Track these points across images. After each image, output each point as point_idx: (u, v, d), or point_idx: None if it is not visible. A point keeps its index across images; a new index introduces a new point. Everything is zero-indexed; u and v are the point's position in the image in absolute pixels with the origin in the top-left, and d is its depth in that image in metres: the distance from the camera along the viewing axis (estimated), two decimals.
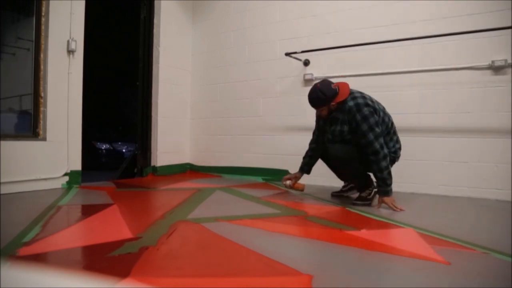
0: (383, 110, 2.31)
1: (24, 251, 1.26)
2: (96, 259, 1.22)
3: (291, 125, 3.47)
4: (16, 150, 2.54)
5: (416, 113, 2.86)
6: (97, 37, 5.76)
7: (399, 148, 2.37)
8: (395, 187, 2.22)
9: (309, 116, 3.15)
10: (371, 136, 2.11)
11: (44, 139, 2.73)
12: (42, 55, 2.73)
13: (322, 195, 2.65)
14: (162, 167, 3.78)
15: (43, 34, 2.73)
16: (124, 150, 7.14)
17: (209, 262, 1.20)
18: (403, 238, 1.58)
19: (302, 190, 2.61)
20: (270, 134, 3.61)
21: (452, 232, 1.61)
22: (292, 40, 3.46)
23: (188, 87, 4.18)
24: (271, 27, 3.61)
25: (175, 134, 4.01)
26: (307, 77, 3.35)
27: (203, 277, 1.07)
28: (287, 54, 3.31)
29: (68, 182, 2.87)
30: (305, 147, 2.63)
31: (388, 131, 2.29)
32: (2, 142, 2.44)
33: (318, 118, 2.48)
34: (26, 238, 1.41)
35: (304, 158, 2.58)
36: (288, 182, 2.58)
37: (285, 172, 3.45)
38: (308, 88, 2.40)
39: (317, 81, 2.40)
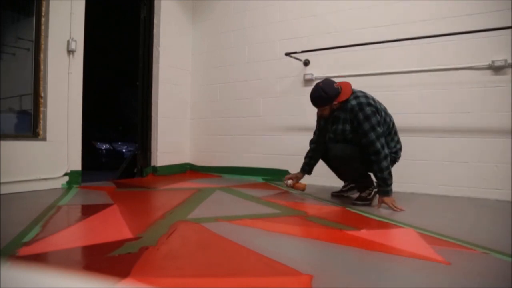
0: (385, 110, 2.31)
1: (24, 251, 1.26)
2: (96, 259, 1.22)
3: (291, 125, 3.47)
4: (16, 150, 2.54)
5: (416, 113, 2.86)
6: (97, 37, 5.77)
7: (400, 149, 2.37)
8: (395, 187, 2.22)
9: (309, 116, 3.15)
10: (372, 135, 2.11)
11: (44, 139, 2.73)
12: (42, 55, 2.73)
13: (322, 195, 2.65)
14: (162, 167, 3.78)
15: (43, 34, 2.73)
16: (124, 150, 7.14)
17: (209, 262, 1.20)
18: (403, 238, 1.58)
19: (303, 190, 2.61)
20: (270, 134, 3.61)
21: (452, 232, 1.61)
22: (292, 40, 3.46)
23: (188, 87, 4.18)
24: (271, 27, 3.61)
25: (175, 134, 4.01)
26: (307, 77, 3.35)
27: (203, 277, 1.07)
28: (287, 54, 3.31)
29: (68, 182, 2.87)
30: (305, 147, 2.63)
31: (389, 131, 2.30)
32: (2, 142, 2.44)
33: (319, 118, 2.48)
34: (26, 238, 1.41)
35: (305, 158, 2.58)
36: (289, 181, 2.58)
37: (285, 172, 3.45)
38: (308, 88, 2.40)
39: (318, 81, 2.40)
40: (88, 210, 2.06)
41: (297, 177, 2.58)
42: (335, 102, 2.22)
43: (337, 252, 1.33)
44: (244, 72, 3.78)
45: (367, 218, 1.93)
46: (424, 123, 2.83)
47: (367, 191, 2.34)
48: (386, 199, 2.14)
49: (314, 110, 2.48)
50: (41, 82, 2.73)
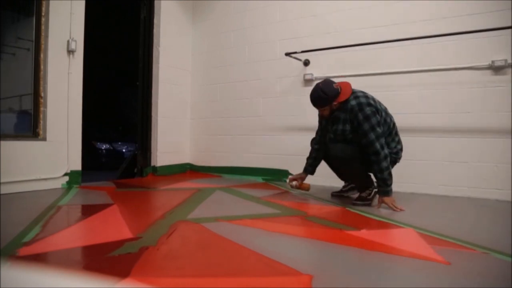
0: (385, 110, 2.31)
1: (24, 251, 1.26)
2: (96, 259, 1.22)
3: (291, 125, 3.47)
4: (16, 150, 2.54)
5: (416, 113, 2.86)
6: (97, 37, 5.76)
7: (401, 149, 2.37)
8: (395, 187, 2.22)
9: (309, 116, 3.15)
10: (372, 136, 2.11)
11: (44, 139, 2.73)
12: (42, 55, 2.73)
13: (322, 195, 2.65)
14: (162, 167, 3.78)
15: (43, 34, 2.73)
16: (124, 150, 7.14)
17: (209, 262, 1.20)
18: (403, 238, 1.58)
19: (307, 190, 2.61)
20: (270, 134, 3.61)
21: (452, 232, 1.61)
22: (292, 40, 3.46)
23: (188, 87, 4.18)
24: (271, 27, 3.61)
25: (175, 134, 4.01)
26: (307, 77, 3.35)
27: (203, 277, 1.07)
28: (287, 54, 3.31)
29: (68, 182, 2.87)
30: (306, 147, 2.63)
31: (390, 131, 2.29)
32: (2, 142, 2.44)
33: (321, 118, 2.48)
34: (26, 238, 1.41)
35: (308, 159, 2.58)
36: (294, 182, 2.58)
37: (285, 172, 3.45)
38: (308, 88, 2.40)
39: (318, 81, 2.40)
40: (88, 210, 2.06)
41: (301, 178, 2.58)
42: (334, 103, 2.22)
43: (337, 252, 1.33)
44: (244, 72, 3.78)
45: (367, 218, 1.93)
46: (424, 123, 2.83)
47: (367, 191, 2.34)
48: (386, 199, 2.14)
49: (314, 110, 2.48)
50: (41, 82, 2.73)
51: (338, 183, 2.74)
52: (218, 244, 1.40)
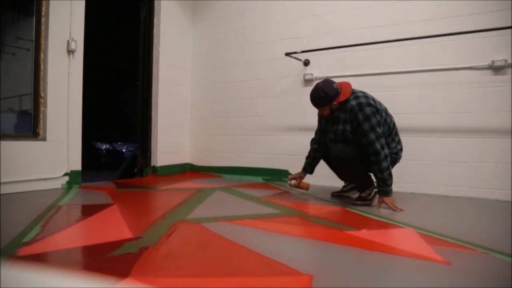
0: (385, 110, 2.31)
1: (24, 251, 1.26)
2: (96, 259, 1.22)
3: (291, 125, 3.47)
4: (16, 150, 2.54)
5: (416, 113, 2.86)
6: (97, 37, 5.76)
7: (401, 149, 2.37)
8: (395, 187, 2.22)
9: (309, 116, 3.16)
10: (372, 136, 2.11)
11: (44, 139, 2.73)
12: (42, 55, 2.73)
13: (322, 195, 2.65)
14: (162, 167, 3.78)
15: (43, 34, 2.73)
16: (124, 150, 7.14)
17: (209, 262, 1.20)
18: (403, 238, 1.58)
19: (306, 189, 2.59)
20: (270, 134, 3.61)
21: (452, 232, 1.61)
22: (292, 40, 3.46)
23: (188, 87, 4.18)
24: (271, 27, 3.61)
25: (175, 134, 4.01)
26: (307, 77, 3.35)
27: (203, 277, 1.07)
28: (287, 54, 3.31)
29: (68, 182, 2.87)
30: (305, 147, 2.63)
31: (390, 132, 2.29)
32: (2, 142, 2.44)
33: (320, 117, 2.48)
34: (26, 238, 1.41)
35: (307, 158, 2.58)
36: (293, 181, 2.57)
37: (285, 172, 3.45)
38: (308, 88, 2.40)
39: (318, 81, 2.40)
40: (88, 210, 2.06)
41: (300, 177, 2.57)
42: (334, 102, 2.22)
43: (337, 252, 1.33)
44: (244, 72, 3.78)
45: (367, 218, 1.93)
46: (424, 123, 2.83)
47: (367, 191, 2.34)
48: (386, 199, 2.14)
49: (314, 110, 2.48)
50: (41, 82, 2.73)
51: (338, 183, 2.74)
52: (218, 244, 1.40)
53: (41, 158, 2.69)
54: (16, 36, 2.87)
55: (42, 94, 2.73)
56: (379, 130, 2.13)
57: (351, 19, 3.15)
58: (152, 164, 3.76)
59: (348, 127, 2.22)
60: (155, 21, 3.77)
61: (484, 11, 2.60)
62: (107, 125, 8.67)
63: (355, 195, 2.46)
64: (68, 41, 2.84)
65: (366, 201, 2.31)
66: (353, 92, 2.25)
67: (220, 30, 3.97)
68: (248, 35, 3.76)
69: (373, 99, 2.26)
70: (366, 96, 2.23)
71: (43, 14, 2.73)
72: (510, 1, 2.49)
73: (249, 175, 3.71)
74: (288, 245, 1.42)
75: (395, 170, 2.28)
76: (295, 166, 2.64)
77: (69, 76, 2.87)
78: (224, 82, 3.93)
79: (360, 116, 2.14)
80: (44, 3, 2.72)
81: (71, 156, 2.89)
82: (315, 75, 3.30)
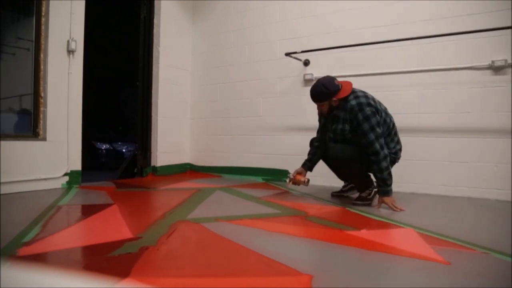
0: (385, 110, 2.31)
1: (24, 251, 1.26)
2: (96, 259, 1.22)
3: (291, 125, 3.47)
4: (16, 150, 2.54)
5: (416, 113, 2.86)
6: (97, 37, 5.76)
7: (400, 149, 2.37)
8: (395, 187, 2.22)
9: (309, 116, 3.16)
10: (372, 136, 2.11)
11: (44, 139, 2.73)
12: (42, 55, 2.73)
13: (322, 195, 2.65)
14: (162, 167, 3.78)
15: (43, 34, 2.73)
16: (124, 150, 7.14)
17: (209, 262, 1.20)
18: (403, 238, 1.58)
19: (306, 183, 2.50)
20: (270, 134, 3.61)
21: (452, 232, 1.61)
22: (292, 40, 3.46)
23: (188, 87, 4.18)
24: (271, 27, 3.61)
25: (175, 134, 4.01)
26: (307, 77, 3.35)
27: (203, 277, 1.07)
28: (287, 54, 3.31)
29: (68, 182, 2.87)
30: (305, 147, 2.64)
31: (389, 132, 2.29)
32: (2, 142, 2.44)
33: (320, 116, 2.48)
34: (26, 238, 1.41)
35: (308, 155, 2.58)
36: (292, 174, 2.54)
37: (285, 172, 3.45)
38: (308, 88, 2.40)
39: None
40: (88, 210, 2.06)
41: (298, 172, 2.54)
42: (334, 98, 2.22)
43: (337, 252, 1.33)
44: (244, 72, 3.78)
45: (367, 218, 1.92)
46: (424, 123, 2.83)
47: (367, 191, 2.34)
48: (386, 199, 2.14)
49: (314, 110, 2.48)
50: (41, 82, 2.73)
51: (338, 183, 2.74)
52: (218, 244, 1.40)
53: (41, 158, 2.69)
54: (16, 36, 2.87)
55: (42, 94, 2.73)
56: (378, 130, 2.13)
57: (351, 19, 3.15)
58: (152, 164, 3.76)
59: (347, 127, 2.22)
60: (155, 21, 3.77)
61: (484, 11, 2.60)
62: (107, 125, 8.67)
63: (355, 195, 2.46)
64: (68, 41, 2.84)
65: (366, 201, 2.31)
66: (354, 91, 2.25)
67: (220, 30, 3.97)
68: (248, 35, 3.76)
69: (373, 99, 2.26)
70: (366, 96, 2.24)
71: (43, 14, 2.73)
72: (510, 1, 2.49)
73: (249, 175, 3.71)
74: (288, 245, 1.42)
75: (395, 170, 2.28)
76: (295, 166, 2.63)
77: (69, 76, 2.87)
78: (224, 82, 3.93)
79: (360, 116, 2.14)
80: (44, 3, 2.72)
81: (71, 156, 2.89)
82: (315, 75, 3.30)
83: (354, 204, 2.29)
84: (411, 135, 2.82)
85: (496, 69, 2.57)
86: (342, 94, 2.22)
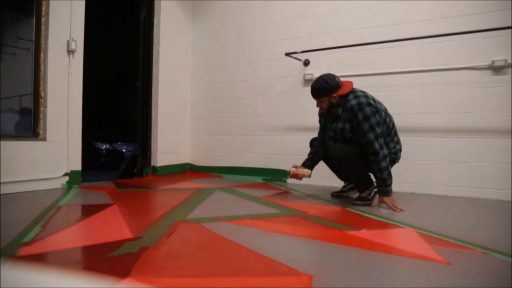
0: (385, 110, 2.31)
1: (24, 251, 1.26)
2: (96, 259, 1.22)
3: (291, 125, 3.47)
4: (16, 150, 2.54)
5: (416, 113, 2.86)
6: (97, 37, 5.75)
7: (400, 150, 2.37)
8: (395, 187, 2.22)
9: (309, 116, 3.16)
10: (371, 135, 2.11)
11: (44, 139, 2.73)
12: (42, 55, 2.73)
13: (322, 195, 2.65)
14: (162, 167, 3.78)
15: (43, 34, 2.73)
16: (124, 150, 7.13)
17: (209, 262, 1.20)
18: (403, 238, 1.58)
19: (308, 176, 2.44)
20: (270, 134, 3.61)
21: (452, 232, 1.61)
22: (292, 40, 3.46)
23: (188, 87, 4.18)
24: (271, 27, 3.61)
25: (175, 134, 4.01)
26: (307, 77, 3.35)
27: (203, 277, 1.07)
28: (287, 54, 3.31)
29: (68, 182, 2.87)
30: (305, 147, 2.64)
31: (389, 132, 2.30)
32: (2, 142, 2.44)
33: (320, 115, 2.49)
34: (26, 238, 1.41)
35: (308, 155, 2.58)
36: (293, 168, 2.47)
37: (285, 172, 3.44)
38: (308, 88, 2.41)
39: None
40: (88, 210, 2.06)
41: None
42: (334, 95, 2.23)
43: (337, 252, 1.33)
44: (244, 72, 3.78)
45: (367, 218, 1.92)
46: (424, 123, 2.83)
47: (367, 191, 2.34)
48: (386, 199, 2.14)
49: (314, 110, 2.48)
50: (41, 82, 2.73)
51: (338, 183, 2.74)
52: (218, 244, 1.40)
53: (41, 158, 2.69)
54: (16, 36, 2.87)
55: (42, 94, 2.73)
56: (378, 130, 2.13)
57: (351, 19, 3.15)
58: (152, 164, 3.76)
59: (347, 126, 2.23)
60: (155, 21, 3.77)
61: (484, 11, 2.60)
62: (107, 125, 8.67)
63: (355, 195, 2.46)
64: (68, 41, 2.84)
65: (366, 201, 2.31)
66: (354, 91, 2.26)
67: (220, 30, 3.97)
68: (248, 35, 3.76)
69: (373, 99, 2.26)
70: (366, 95, 2.24)
71: (43, 14, 2.73)
72: (510, 1, 2.49)
73: (249, 175, 3.71)
74: (288, 245, 1.42)
75: (395, 170, 2.28)
76: None
77: (69, 76, 2.87)
78: (224, 82, 3.93)
79: (360, 116, 2.14)
80: (44, 3, 2.72)
81: (71, 156, 2.89)
82: (315, 75, 3.29)
83: (354, 204, 2.29)
84: (411, 135, 2.82)
85: (496, 69, 2.57)
86: (343, 91, 2.23)
